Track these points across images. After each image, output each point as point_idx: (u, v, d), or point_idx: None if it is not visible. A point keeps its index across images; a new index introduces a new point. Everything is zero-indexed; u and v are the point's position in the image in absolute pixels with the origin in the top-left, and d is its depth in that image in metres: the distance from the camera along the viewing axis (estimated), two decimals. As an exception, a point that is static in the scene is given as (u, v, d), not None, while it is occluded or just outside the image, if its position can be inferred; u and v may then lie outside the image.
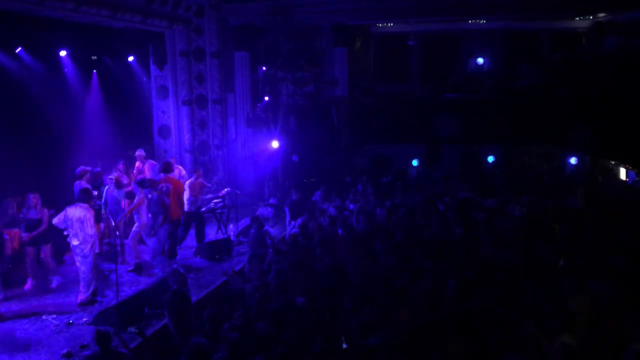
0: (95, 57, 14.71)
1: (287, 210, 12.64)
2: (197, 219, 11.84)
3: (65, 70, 14.04)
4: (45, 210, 9.59)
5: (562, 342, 5.23)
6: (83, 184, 10.64)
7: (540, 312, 6.19)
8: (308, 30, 16.12)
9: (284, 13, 15.07)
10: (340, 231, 10.54)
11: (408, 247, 9.05)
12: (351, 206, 12.52)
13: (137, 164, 13.27)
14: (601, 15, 17.61)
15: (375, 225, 10.68)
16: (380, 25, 19.44)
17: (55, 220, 8.93)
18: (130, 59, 15.10)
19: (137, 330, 6.67)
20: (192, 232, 12.01)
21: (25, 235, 9.42)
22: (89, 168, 11.66)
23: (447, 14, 16.61)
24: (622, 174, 15.91)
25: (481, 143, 17.73)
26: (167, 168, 11.24)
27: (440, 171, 16.65)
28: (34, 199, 9.46)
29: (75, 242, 8.89)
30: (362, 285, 7.51)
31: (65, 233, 8.97)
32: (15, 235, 9.55)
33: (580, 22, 18.67)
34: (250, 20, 15.62)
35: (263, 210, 13.79)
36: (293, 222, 11.91)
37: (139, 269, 10.45)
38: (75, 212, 8.87)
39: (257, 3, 15.34)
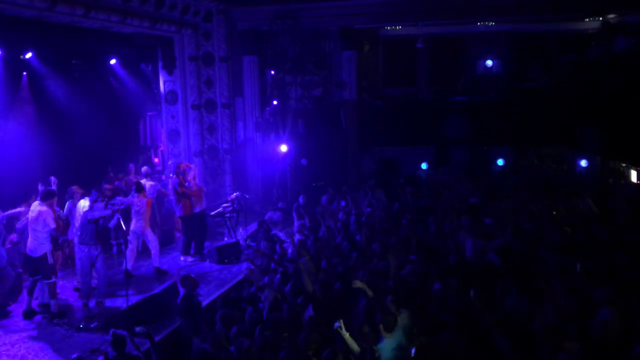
0: (108, 63, 14.79)
1: (295, 214, 12.67)
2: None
3: (77, 75, 14.20)
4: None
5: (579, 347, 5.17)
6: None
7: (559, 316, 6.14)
8: (316, 34, 16.14)
9: (291, 17, 15.09)
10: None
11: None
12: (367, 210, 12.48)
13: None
14: (610, 16, 17.52)
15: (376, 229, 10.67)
16: (388, 28, 19.45)
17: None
18: (141, 64, 15.19)
19: (146, 332, 6.70)
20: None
21: None
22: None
23: (455, 16, 16.55)
24: (634, 176, 15.79)
25: (490, 145, 17.69)
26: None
27: (448, 174, 16.56)
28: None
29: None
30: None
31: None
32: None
33: (589, 24, 18.59)
34: (258, 24, 15.66)
35: (272, 214, 13.84)
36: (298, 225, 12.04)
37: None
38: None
39: (265, 7, 15.37)
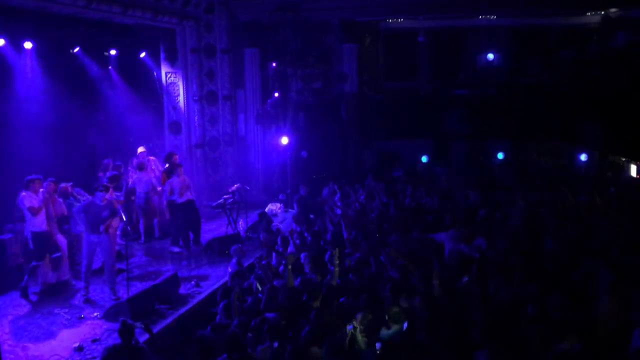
0: (110, 53, 14.76)
1: (295, 205, 12.69)
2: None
3: (79, 64, 14.18)
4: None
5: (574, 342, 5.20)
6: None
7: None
8: (317, 27, 16.12)
9: (293, 9, 15.09)
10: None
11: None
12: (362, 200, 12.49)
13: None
14: (611, 10, 17.49)
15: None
16: (389, 21, 19.41)
17: None
18: (142, 55, 15.17)
19: (143, 326, 6.75)
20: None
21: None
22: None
23: (456, 10, 16.53)
24: (633, 170, 15.82)
25: (490, 139, 17.69)
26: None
27: (447, 167, 16.55)
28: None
29: None
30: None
31: None
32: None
33: (590, 18, 18.52)
34: (260, 16, 15.64)
35: (272, 206, 13.87)
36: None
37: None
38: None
39: (267, -1, 15.38)
